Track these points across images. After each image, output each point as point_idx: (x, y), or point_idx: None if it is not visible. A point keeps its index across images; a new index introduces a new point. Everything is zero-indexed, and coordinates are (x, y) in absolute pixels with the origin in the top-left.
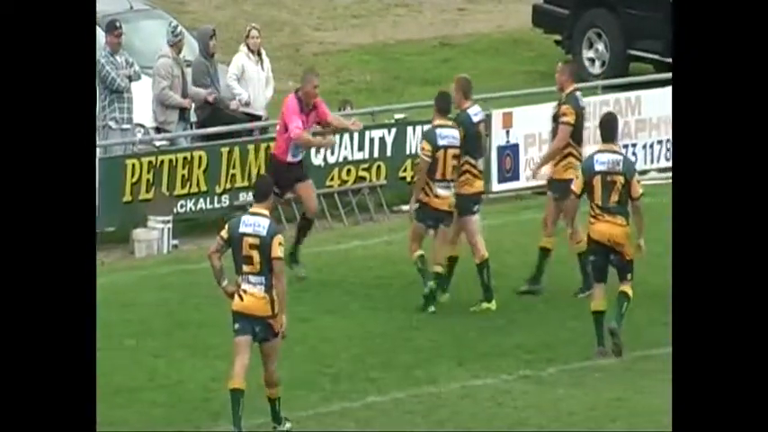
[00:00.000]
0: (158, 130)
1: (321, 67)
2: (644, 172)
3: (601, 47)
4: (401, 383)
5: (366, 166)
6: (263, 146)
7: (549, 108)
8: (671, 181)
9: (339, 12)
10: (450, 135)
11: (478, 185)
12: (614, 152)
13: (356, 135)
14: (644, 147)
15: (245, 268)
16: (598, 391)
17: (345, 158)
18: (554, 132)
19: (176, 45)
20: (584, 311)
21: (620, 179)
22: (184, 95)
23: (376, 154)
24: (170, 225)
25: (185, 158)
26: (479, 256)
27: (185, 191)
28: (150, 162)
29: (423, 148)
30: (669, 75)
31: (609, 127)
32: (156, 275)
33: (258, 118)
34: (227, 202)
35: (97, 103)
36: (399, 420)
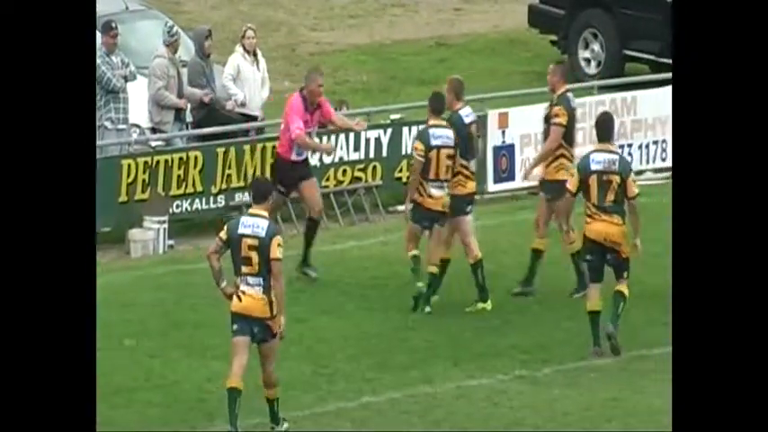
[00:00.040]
0: (154, 130)
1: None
2: (640, 172)
3: (596, 47)
4: (397, 384)
5: (362, 166)
6: (259, 146)
7: (544, 109)
8: (667, 181)
9: (335, 12)
10: (443, 135)
11: (471, 186)
12: (610, 152)
13: (352, 135)
14: (639, 147)
15: (244, 269)
16: (593, 391)
17: (341, 159)
18: (546, 133)
19: (172, 45)
20: (578, 312)
21: (616, 179)
22: (180, 96)
23: (372, 154)
24: (166, 225)
25: (181, 159)
26: (473, 256)
27: (181, 191)
28: (146, 162)
29: (416, 148)
30: (665, 75)
31: (605, 127)
32: (151, 276)
33: (254, 118)
34: (223, 203)
35: None
36: (395, 420)
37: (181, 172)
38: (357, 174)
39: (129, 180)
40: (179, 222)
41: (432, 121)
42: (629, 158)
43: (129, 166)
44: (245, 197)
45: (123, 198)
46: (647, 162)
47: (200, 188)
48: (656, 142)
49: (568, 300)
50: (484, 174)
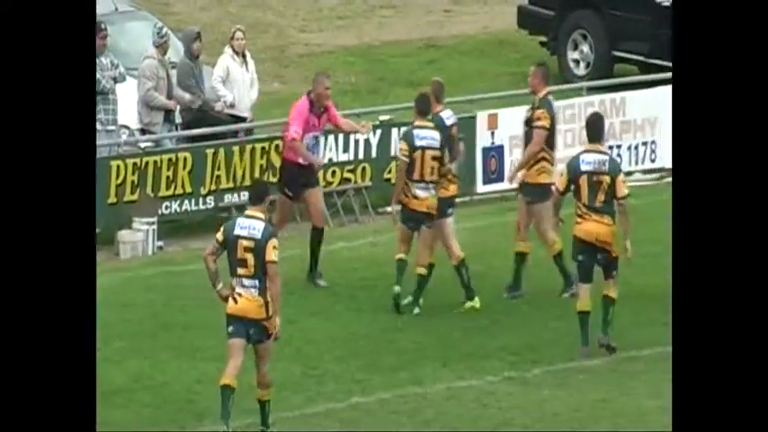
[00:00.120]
0: (143, 131)
1: (306, 68)
2: (629, 173)
3: (586, 48)
4: (386, 384)
5: (351, 167)
6: (249, 147)
7: (526, 111)
8: (657, 182)
9: (324, 13)
10: (429, 136)
11: (452, 189)
12: (600, 152)
13: (341, 136)
14: (629, 148)
15: (240, 271)
16: (583, 392)
17: (330, 160)
18: (526, 136)
19: (162, 46)
20: (567, 312)
21: (606, 179)
22: (169, 97)
23: (361, 155)
24: (155, 226)
25: (170, 160)
26: (456, 257)
27: (170, 192)
28: (135, 164)
29: (401, 149)
30: (654, 76)
31: (595, 127)
32: (141, 277)
33: (243, 120)
34: (212, 204)
35: None
36: (385, 421)
37: (170, 173)
38: (346, 175)
39: (119, 181)
40: (168, 223)
41: (417, 122)
42: (618, 159)
43: (118, 167)
44: (234, 198)
45: (112, 199)
46: (637, 163)
47: (189, 189)
48: (645, 143)
49: (557, 300)
50: (473, 175)
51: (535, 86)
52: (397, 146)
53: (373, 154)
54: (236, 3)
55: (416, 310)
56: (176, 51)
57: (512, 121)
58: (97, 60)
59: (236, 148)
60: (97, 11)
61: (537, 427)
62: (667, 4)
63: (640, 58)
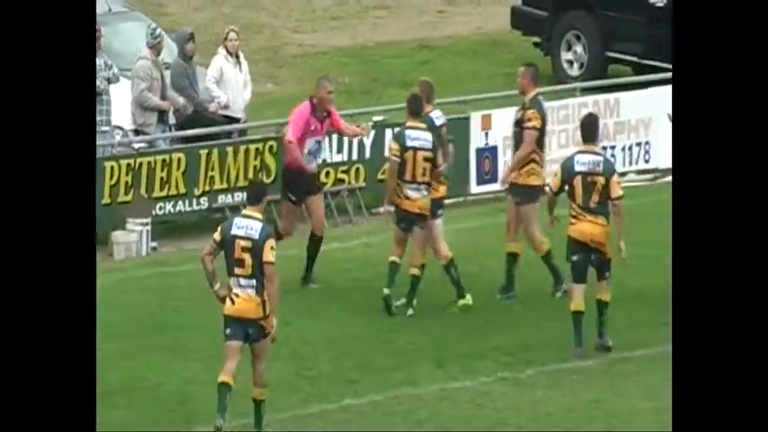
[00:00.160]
0: (137, 132)
1: (299, 69)
2: (623, 174)
3: (579, 49)
4: (380, 385)
5: (345, 168)
6: (242, 148)
7: (515, 112)
8: (651, 183)
9: (318, 14)
10: (420, 137)
11: (442, 190)
12: (595, 153)
13: (335, 137)
14: (623, 149)
15: (237, 270)
16: (576, 392)
17: (324, 161)
18: (516, 137)
19: (155, 47)
20: (560, 312)
21: (601, 180)
22: (163, 98)
23: (355, 156)
24: (149, 227)
25: (164, 161)
26: (444, 257)
27: (164, 193)
28: (129, 164)
29: (391, 149)
30: (648, 77)
31: (590, 128)
32: (134, 278)
33: (237, 120)
34: (206, 205)
35: None
36: (378, 422)
37: (164, 174)
38: (340, 176)
39: (112, 182)
40: (162, 224)
41: (409, 123)
42: (612, 160)
43: (111, 167)
44: (227, 199)
45: (106, 200)
46: (630, 164)
47: (183, 190)
48: (638, 144)
49: (550, 301)
50: (467, 175)
51: (524, 87)
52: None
53: (367, 155)
54: (230, 3)
55: (410, 311)
56: (170, 52)
57: (505, 121)
58: None
59: (229, 149)
60: None
61: (531, 427)
62: (661, 4)
63: (634, 58)
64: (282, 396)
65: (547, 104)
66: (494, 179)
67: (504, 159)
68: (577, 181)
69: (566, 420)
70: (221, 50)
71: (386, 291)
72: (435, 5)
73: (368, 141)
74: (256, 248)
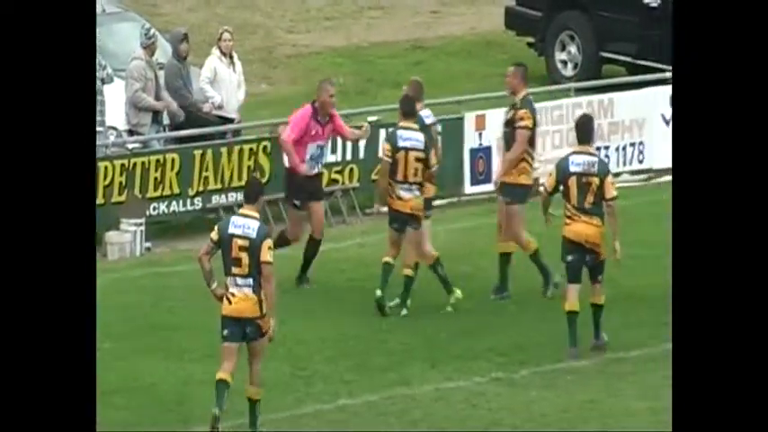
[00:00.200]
0: (131, 132)
1: (293, 69)
2: (617, 174)
3: (573, 49)
4: (374, 386)
5: (339, 168)
6: (236, 149)
7: (505, 112)
8: (645, 183)
9: (312, 14)
10: (412, 137)
11: (431, 191)
12: (589, 154)
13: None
14: (617, 149)
15: (234, 270)
16: (570, 393)
17: None
18: (506, 138)
19: (149, 48)
20: (555, 313)
21: (596, 181)
22: (157, 98)
23: (349, 156)
24: (143, 228)
25: (158, 161)
26: (430, 257)
27: (158, 193)
28: (123, 165)
29: (384, 149)
30: (642, 77)
31: (585, 129)
32: (128, 278)
33: (230, 121)
34: (200, 205)
35: None
36: (373, 422)
37: (158, 174)
38: (334, 176)
39: (106, 182)
40: (156, 225)
41: (402, 123)
42: (605, 160)
43: (105, 168)
44: (221, 199)
45: (100, 200)
46: (624, 164)
47: (176, 190)
48: (632, 144)
49: (544, 301)
50: (461, 176)
51: (515, 87)
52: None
53: (361, 155)
54: (224, 4)
55: (404, 312)
56: (164, 52)
57: (499, 122)
58: None
59: (223, 150)
60: None
61: (525, 427)
62: (655, 5)
63: (628, 59)
64: (277, 396)
65: (541, 105)
66: (488, 179)
67: (499, 160)
68: (572, 181)
69: (560, 421)
70: (215, 51)
71: (378, 293)
72: (429, 6)
73: (362, 142)
74: (254, 248)
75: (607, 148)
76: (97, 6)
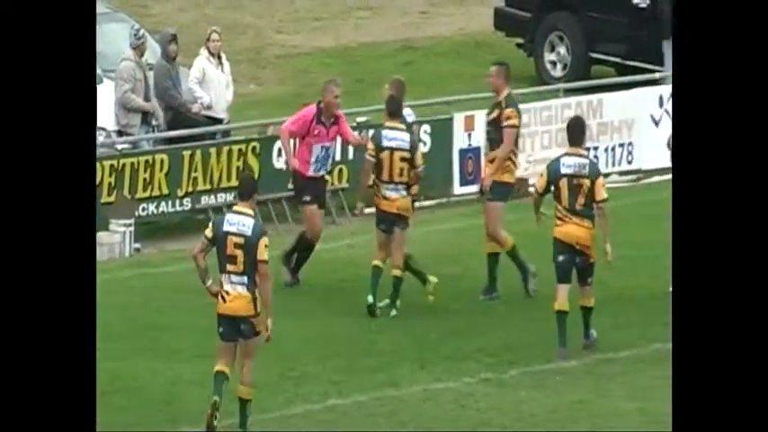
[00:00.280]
0: (120, 133)
1: (283, 70)
2: (606, 175)
3: (562, 50)
4: (363, 386)
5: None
6: (225, 149)
7: (487, 113)
8: (633, 184)
9: (301, 14)
10: (398, 137)
11: (414, 189)
12: (581, 156)
13: None
14: (606, 150)
15: (229, 267)
16: (560, 393)
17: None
18: (491, 137)
19: (139, 48)
20: (544, 313)
21: (587, 182)
22: (147, 99)
23: (338, 157)
24: (132, 228)
25: (147, 162)
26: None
27: (147, 194)
28: (112, 165)
29: (368, 148)
30: (631, 78)
31: (576, 130)
32: (118, 279)
33: (219, 121)
34: (189, 206)
35: None
36: (362, 422)
37: (147, 175)
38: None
39: (96, 183)
40: (145, 225)
41: (387, 123)
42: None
43: None
44: (211, 200)
45: None
46: (614, 165)
47: (166, 191)
48: (621, 145)
49: (534, 301)
50: (450, 176)
51: (498, 86)
52: None
53: (350, 156)
54: (214, 4)
55: (393, 312)
56: (154, 53)
57: None
58: None
59: (212, 150)
60: None
61: (514, 428)
62: (644, 5)
63: (617, 59)
64: (267, 396)
65: (530, 105)
66: (476, 180)
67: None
68: (563, 183)
69: (549, 421)
70: (203, 51)
71: (370, 299)
72: (418, 6)
73: None
74: (249, 245)
75: (596, 148)
76: None
